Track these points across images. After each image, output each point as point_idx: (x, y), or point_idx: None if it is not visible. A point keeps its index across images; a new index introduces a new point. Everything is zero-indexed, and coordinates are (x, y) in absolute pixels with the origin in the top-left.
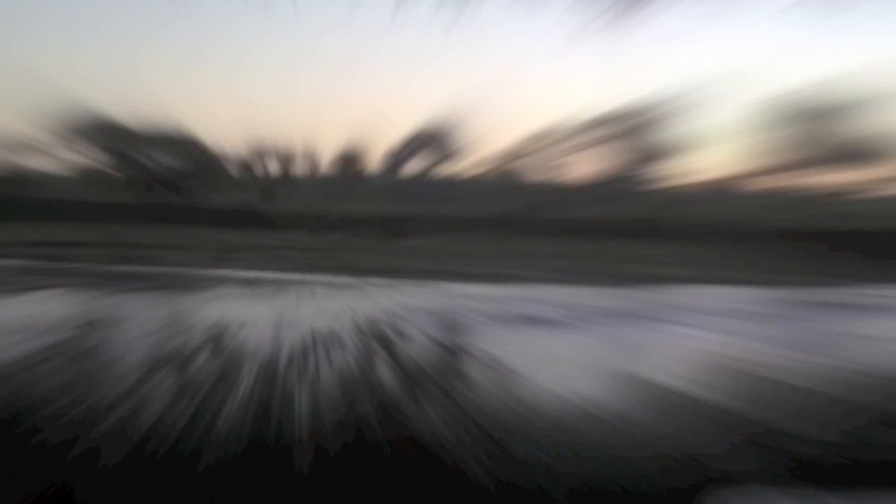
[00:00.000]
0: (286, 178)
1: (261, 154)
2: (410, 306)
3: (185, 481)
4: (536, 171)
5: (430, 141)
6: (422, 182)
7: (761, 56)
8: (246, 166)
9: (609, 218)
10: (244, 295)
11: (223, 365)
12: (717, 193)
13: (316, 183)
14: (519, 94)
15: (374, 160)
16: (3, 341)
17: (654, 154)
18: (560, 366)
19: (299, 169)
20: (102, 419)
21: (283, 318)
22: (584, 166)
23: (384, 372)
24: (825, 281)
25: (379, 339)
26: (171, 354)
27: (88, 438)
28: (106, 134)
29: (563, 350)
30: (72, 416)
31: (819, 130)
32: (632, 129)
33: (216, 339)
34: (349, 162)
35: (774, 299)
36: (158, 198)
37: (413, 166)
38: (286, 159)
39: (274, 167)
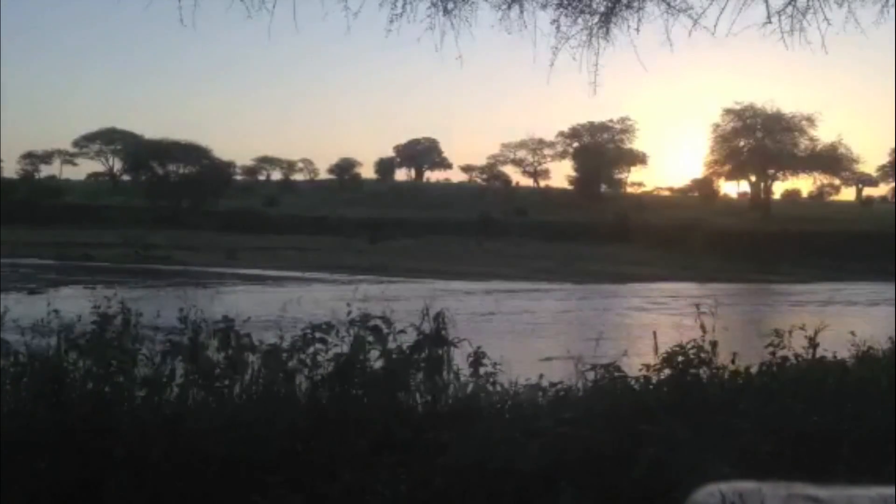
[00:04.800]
0: (287, 185)
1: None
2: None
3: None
4: (518, 177)
5: (418, 150)
6: (411, 188)
7: (724, 72)
8: (251, 174)
9: (582, 221)
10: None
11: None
12: (679, 199)
13: (314, 189)
14: (502, 105)
15: (367, 168)
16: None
17: (622, 163)
18: None
19: (299, 176)
20: None
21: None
22: (560, 174)
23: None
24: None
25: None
26: None
27: None
28: (126, 145)
29: None
30: None
31: (772, 141)
32: (605, 139)
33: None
34: (344, 170)
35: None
36: (173, 203)
37: (402, 174)
38: (287, 168)
39: (276, 175)
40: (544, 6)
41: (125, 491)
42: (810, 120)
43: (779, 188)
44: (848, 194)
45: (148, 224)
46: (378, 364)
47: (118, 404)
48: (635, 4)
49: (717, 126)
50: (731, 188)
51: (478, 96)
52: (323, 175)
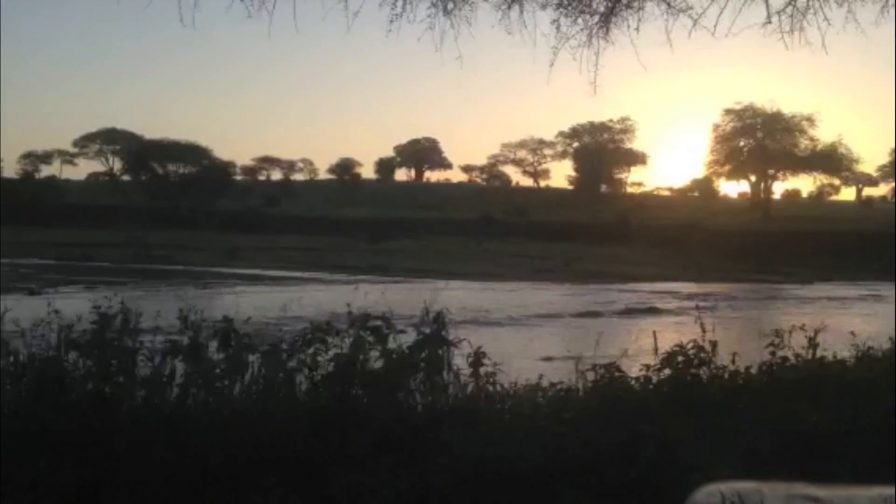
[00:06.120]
0: (287, 185)
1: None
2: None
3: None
4: (518, 177)
5: (418, 150)
6: (411, 188)
7: (724, 72)
8: (251, 174)
9: (582, 221)
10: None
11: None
12: (679, 199)
13: (314, 189)
14: (502, 105)
15: (367, 168)
16: None
17: (622, 163)
18: None
19: (299, 176)
20: None
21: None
22: (561, 173)
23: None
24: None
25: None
26: None
27: None
28: (125, 145)
29: None
30: None
31: (772, 141)
32: (605, 139)
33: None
34: (344, 170)
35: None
36: (173, 203)
37: (402, 174)
38: (287, 168)
39: (276, 175)
40: (544, 6)
41: (125, 491)
42: (810, 120)
43: (779, 188)
44: (848, 194)
45: (148, 224)
46: (378, 364)
47: (118, 404)
48: (635, 4)
49: (717, 126)
50: (731, 188)
51: (478, 96)
52: (323, 175)
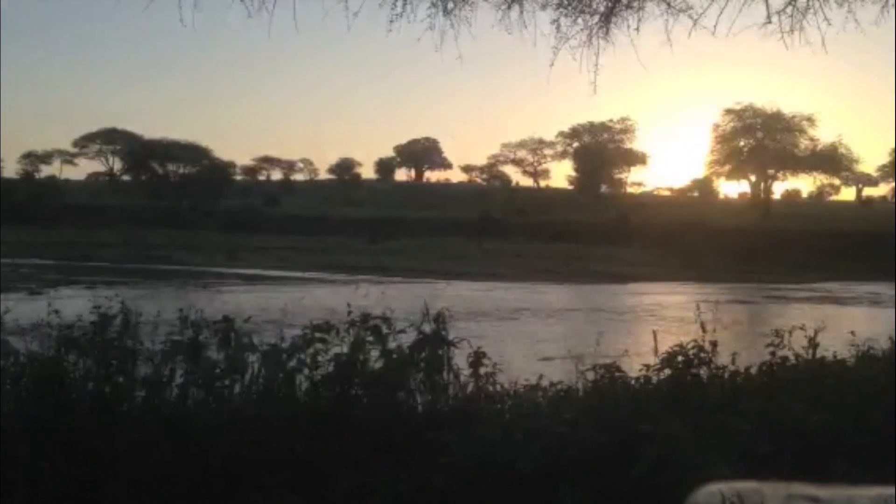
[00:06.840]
0: (287, 185)
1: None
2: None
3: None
4: (518, 177)
5: (418, 150)
6: (411, 188)
7: (724, 72)
8: (251, 174)
9: (582, 221)
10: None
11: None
12: (679, 199)
13: (314, 189)
14: (502, 105)
15: (367, 168)
16: None
17: (622, 163)
18: None
19: (299, 176)
20: None
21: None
22: (560, 173)
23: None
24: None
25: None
26: None
27: None
28: (125, 144)
29: None
30: None
31: (772, 140)
32: (605, 139)
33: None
34: (344, 170)
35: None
36: (173, 203)
37: (402, 174)
38: (287, 168)
39: (276, 175)
40: (544, 6)
41: (125, 491)
42: (810, 120)
43: (779, 188)
44: (848, 194)
45: (148, 224)
46: (378, 364)
47: (118, 404)
48: (635, 4)
49: (717, 126)
50: (731, 188)
51: (478, 96)
52: (323, 175)
